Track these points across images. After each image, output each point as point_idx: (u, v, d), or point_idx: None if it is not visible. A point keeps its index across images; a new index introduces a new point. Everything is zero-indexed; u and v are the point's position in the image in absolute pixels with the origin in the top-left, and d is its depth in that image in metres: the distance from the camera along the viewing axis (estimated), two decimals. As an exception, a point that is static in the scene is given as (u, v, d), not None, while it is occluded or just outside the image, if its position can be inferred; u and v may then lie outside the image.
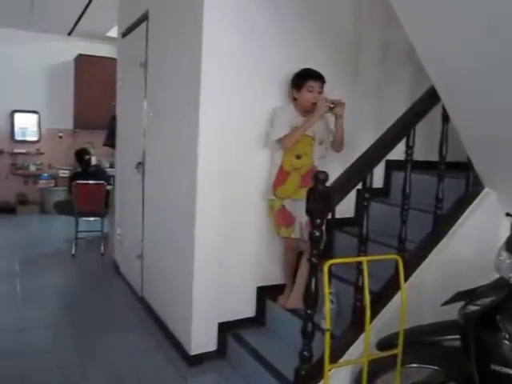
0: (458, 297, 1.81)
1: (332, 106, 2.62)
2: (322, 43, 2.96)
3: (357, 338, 2.11)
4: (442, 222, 2.46)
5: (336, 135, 2.74)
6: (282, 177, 2.72)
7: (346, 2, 3.09)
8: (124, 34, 4.22)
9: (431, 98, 2.33)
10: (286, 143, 2.66)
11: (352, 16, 3.13)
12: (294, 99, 2.74)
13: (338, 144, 2.78)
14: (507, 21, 1.63)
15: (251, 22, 2.72)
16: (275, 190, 2.74)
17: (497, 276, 1.74)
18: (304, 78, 2.68)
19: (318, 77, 2.68)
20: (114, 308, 3.72)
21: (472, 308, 1.74)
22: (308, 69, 2.73)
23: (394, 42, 3.25)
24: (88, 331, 3.26)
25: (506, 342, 1.65)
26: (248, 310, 2.91)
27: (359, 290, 2.11)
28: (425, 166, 2.80)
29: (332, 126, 2.77)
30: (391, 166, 3.21)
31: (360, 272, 2.06)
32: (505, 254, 1.68)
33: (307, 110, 2.69)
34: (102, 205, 5.12)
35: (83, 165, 5.42)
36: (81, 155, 5.45)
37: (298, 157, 2.70)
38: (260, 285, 2.94)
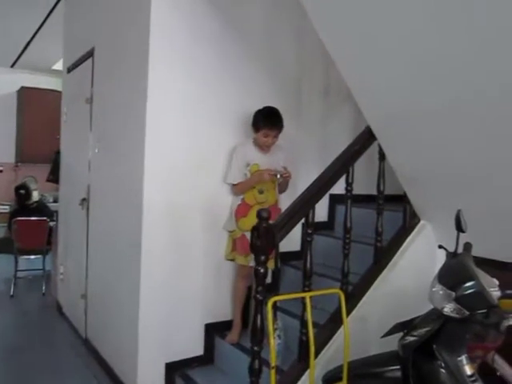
0: (397, 328, 1.89)
1: (277, 177, 2.67)
2: (266, 80, 3.06)
3: (303, 373, 2.13)
4: (382, 255, 2.56)
5: (281, 184, 2.82)
6: (244, 209, 2.76)
7: (289, 42, 3.23)
8: (69, 69, 4.18)
9: (368, 137, 2.47)
10: (236, 191, 2.80)
11: (295, 54, 3.26)
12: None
13: (282, 189, 2.89)
14: (437, 62, 1.78)
15: (197, 61, 2.78)
16: (238, 222, 2.76)
17: (432, 306, 1.83)
18: (261, 124, 2.71)
19: (274, 125, 2.71)
20: (56, 351, 3.54)
21: (410, 339, 1.81)
22: (268, 113, 2.74)
23: (335, 81, 3.41)
24: (27, 377, 3.08)
25: (443, 370, 1.72)
26: (196, 348, 2.86)
27: (304, 324, 2.14)
28: (367, 200, 2.93)
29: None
30: (335, 200, 3.32)
31: (304, 307, 2.10)
32: (438, 286, 1.77)
33: (259, 145, 2.78)
34: (44, 242, 4.92)
35: (21, 200, 5.22)
36: (19, 191, 5.26)
37: (261, 192, 2.76)
38: (208, 322, 2.91)
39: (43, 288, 4.85)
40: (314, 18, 2.01)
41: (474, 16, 1.53)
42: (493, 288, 1.72)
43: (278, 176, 2.66)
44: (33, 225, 4.89)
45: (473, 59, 1.68)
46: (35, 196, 5.45)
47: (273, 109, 2.76)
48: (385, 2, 1.72)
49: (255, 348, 1.99)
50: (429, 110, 1.99)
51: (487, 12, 1.50)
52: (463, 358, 1.68)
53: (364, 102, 2.21)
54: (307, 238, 2.23)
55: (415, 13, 1.67)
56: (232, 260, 2.85)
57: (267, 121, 2.71)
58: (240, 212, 2.77)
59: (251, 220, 2.68)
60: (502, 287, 1.78)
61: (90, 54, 3.57)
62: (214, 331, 2.89)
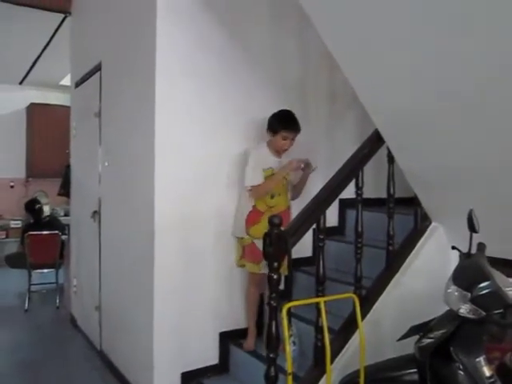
0: (412, 331, 1.88)
1: (302, 166, 2.70)
2: (271, 87, 3.07)
3: (320, 379, 2.12)
4: (395, 258, 2.55)
5: (299, 184, 2.83)
6: (256, 216, 2.73)
7: (293, 49, 3.24)
8: (77, 84, 4.24)
9: (376, 140, 2.47)
10: (256, 194, 2.72)
11: (299, 61, 3.27)
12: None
13: (297, 193, 2.87)
14: (445, 61, 1.79)
15: (202, 71, 2.81)
16: (248, 230, 2.74)
17: (447, 308, 1.82)
18: (281, 126, 2.70)
19: (293, 128, 2.71)
20: (71, 364, 3.56)
21: (426, 341, 1.80)
22: (287, 116, 2.74)
23: (340, 87, 3.42)
24: (43, 391, 3.10)
25: (461, 372, 1.71)
26: (211, 357, 2.86)
27: (319, 330, 2.14)
28: (377, 203, 2.92)
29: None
30: (344, 205, 3.32)
31: (319, 312, 2.09)
32: (452, 287, 1.76)
33: (278, 151, 2.77)
34: (57, 256, 4.95)
35: (34, 215, 5.27)
36: (31, 206, 5.31)
37: (272, 196, 2.75)
38: (222, 330, 2.91)
39: (57, 301, 4.88)
40: (317, 22, 2.01)
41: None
42: (508, 288, 1.71)
43: (311, 167, 2.67)
44: (45, 239, 4.93)
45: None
46: (46, 210, 5.51)
47: (290, 112, 2.77)
48: (388, 4, 1.73)
49: (271, 355, 1.99)
50: (438, 111, 1.99)
51: (487, 12, 1.50)
52: (481, 360, 1.67)
53: (371, 106, 2.21)
54: (319, 244, 2.23)
55: (423, 14, 1.68)
56: (242, 266, 2.85)
57: (286, 123, 2.71)
58: (251, 219, 2.75)
59: (264, 227, 2.64)
60: (517, 287, 1.77)
61: (97, 69, 3.62)
62: (229, 339, 2.89)
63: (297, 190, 2.86)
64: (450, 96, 1.88)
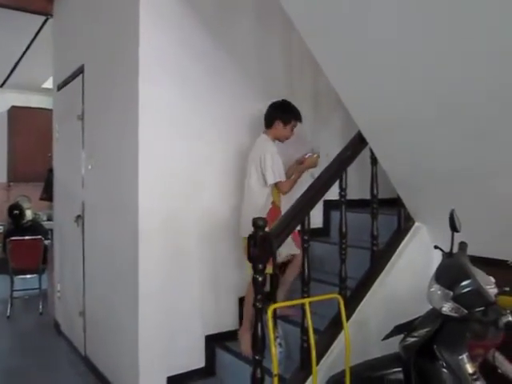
0: (397, 330, 1.90)
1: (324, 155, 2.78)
2: (257, 91, 3.09)
3: (306, 380, 2.13)
4: (379, 258, 2.58)
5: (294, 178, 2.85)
6: (276, 213, 2.69)
7: (278, 53, 3.27)
8: (60, 87, 4.19)
9: (360, 141, 2.49)
10: (288, 188, 2.72)
11: (284, 65, 3.30)
12: (268, 127, 2.81)
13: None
14: (424, 69, 1.82)
15: (187, 74, 2.81)
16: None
17: (431, 307, 1.84)
18: (294, 117, 2.80)
19: (301, 118, 2.84)
20: (56, 370, 3.50)
21: (410, 340, 1.82)
22: (292, 105, 2.83)
23: (324, 91, 3.45)
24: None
25: (444, 370, 1.73)
26: (197, 360, 2.85)
27: (305, 331, 2.15)
28: (361, 204, 2.94)
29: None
30: (329, 206, 3.34)
31: (304, 313, 2.10)
32: (435, 286, 1.79)
33: (281, 140, 2.83)
34: (40, 261, 4.88)
35: (15, 220, 5.20)
36: (12, 211, 5.25)
37: None
38: (208, 333, 2.90)
39: (40, 307, 4.80)
40: (301, 28, 2.04)
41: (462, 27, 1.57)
42: (489, 285, 1.74)
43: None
44: (28, 244, 4.86)
45: (459, 67, 1.71)
46: (29, 215, 5.44)
47: (291, 102, 2.85)
48: (372, 14, 1.75)
49: (257, 357, 1.99)
50: (419, 116, 2.02)
51: (474, 23, 1.53)
52: (464, 357, 1.69)
53: (354, 110, 2.23)
54: (304, 245, 2.24)
55: (403, 23, 1.70)
56: None
57: (298, 114, 2.82)
58: (273, 215, 2.64)
59: None
60: (498, 284, 1.81)
61: (80, 71, 3.58)
62: (215, 342, 2.88)
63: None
64: (432, 99, 1.91)
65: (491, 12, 1.48)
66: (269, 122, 2.81)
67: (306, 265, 2.24)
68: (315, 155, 2.81)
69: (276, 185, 2.71)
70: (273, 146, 2.77)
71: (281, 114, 2.79)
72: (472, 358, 1.70)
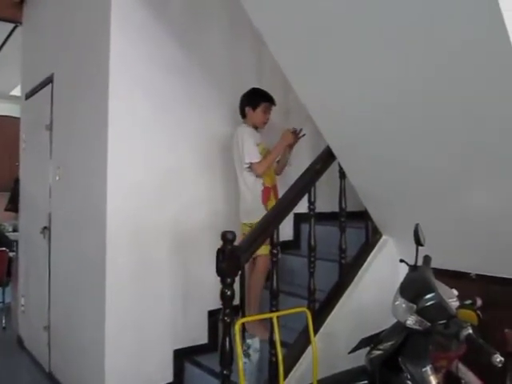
0: (363, 343, 1.91)
1: (298, 137, 2.84)
2: (228, 104, 3.10)
3: (274, 394, 2.12)
4: (347, 271, 2.60)
5: (282, 160, 2.94)
6: (268, 193, 2.80)
7: (250, 67, 3.31)
8: (28, 96, 4.11)
9: (328, 156, 2.53)
10: (261, 169, 2.75)
11: (255, 79, 3.31)
12: (244, 116, 2.86)
13: (280, 168, 2.99)
14: (387, 85, 1.86)
15: (158, 86, 2.81)
16: (266, 206, 2.74)
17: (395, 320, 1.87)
18: (260, 98, 2.82)
19: (271, 99, 2.85)
20: (18, 388, 3.39)
21: (376, 353, 1.84)
22: (260, 89, 2.88)
23: (295, 101, 3.48)
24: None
25: (409, 381, 1.75)
26: (165, 375, 2.81)
27: (273, 345, 2.14)
28: (330, 217, 2.98)
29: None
30: (300, 219, 3.36)
31: (272, 327, 2.10)
32: (400, 299, 1.81)
33: (257, 127, 2.86)
34: (4, 273, 4.74)
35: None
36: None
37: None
38: (177, 347, 2.86)
39: (3, 322, 4.66)
40: (269, 41, 2.07)
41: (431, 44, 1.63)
42: (451, 299, 1.78)
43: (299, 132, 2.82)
44: (-9, 256, 4.71)
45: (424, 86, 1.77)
46: (-8, 226, 5.27)
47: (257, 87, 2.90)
48: (340, 31, 1.80)
49: (224, 372, 1.97)
50: (381, 130, 2.07)
51: (444, 40, 1.59)
52: (428, 369, 1.71)
53: (321, 124, 2.28)
54: (273, 258, 2.25)
55: (370, 40, 1.75)
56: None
57: (265, 95, 2.84)
58: (266, 196, 2.78)
59: (273, 202, 2.72)
60: (461, 297, 1.85)
61: (49, 80, 3.53)
62: (183, 357, 2.84)
63: (280, 165, 2.98)
64: (396, 112, 1.97)
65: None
66: (242, 112, 2.89)
67: (274, 278, 2.24)
68: (289, 130, 2.84)
69: (251, 166, 2.75)
70: (246, 128, 2.83)
71: (247, 100, 2.86)
72: (436, 370, 1.73)
